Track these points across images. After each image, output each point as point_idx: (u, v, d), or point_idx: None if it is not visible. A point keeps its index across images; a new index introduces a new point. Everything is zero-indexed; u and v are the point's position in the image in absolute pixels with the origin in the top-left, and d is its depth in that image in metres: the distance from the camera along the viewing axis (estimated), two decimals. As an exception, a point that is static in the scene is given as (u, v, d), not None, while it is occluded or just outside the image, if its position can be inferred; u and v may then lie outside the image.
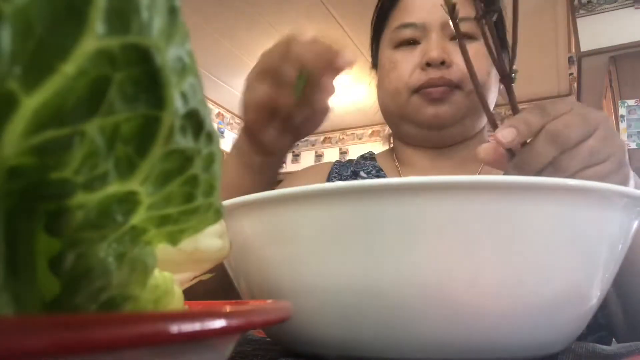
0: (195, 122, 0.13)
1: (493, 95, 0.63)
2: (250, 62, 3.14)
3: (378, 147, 0.81)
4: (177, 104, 0.12)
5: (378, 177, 0.67)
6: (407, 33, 0.62)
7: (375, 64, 0.71)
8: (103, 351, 0.08)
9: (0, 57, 0.09)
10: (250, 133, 0.53)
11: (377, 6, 0.70)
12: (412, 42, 0.62)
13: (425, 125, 0.62)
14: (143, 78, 0.11)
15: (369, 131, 4.40)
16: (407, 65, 0.61)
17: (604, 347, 0.33)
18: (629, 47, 2.22)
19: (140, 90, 0.11)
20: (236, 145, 0.56)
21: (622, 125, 2.21)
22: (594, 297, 0.30)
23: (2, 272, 0.11)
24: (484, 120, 0.65)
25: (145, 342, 0.09)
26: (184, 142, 0.13)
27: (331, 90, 0.50)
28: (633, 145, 2.17)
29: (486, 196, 0.25)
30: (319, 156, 4.49)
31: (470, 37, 0.60)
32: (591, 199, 0.26)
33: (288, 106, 0.49)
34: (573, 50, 2.45)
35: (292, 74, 0.46)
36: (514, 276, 0.26)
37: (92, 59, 0.10)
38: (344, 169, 0.70)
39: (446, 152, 0.66)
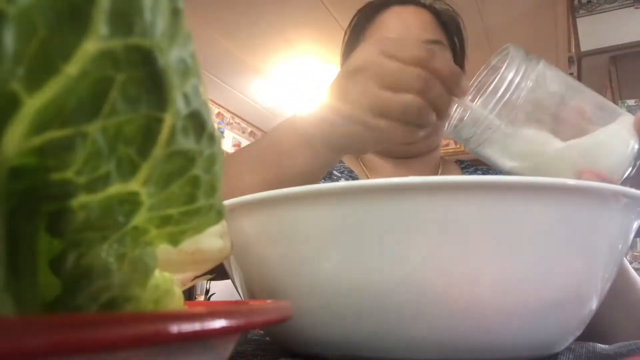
0: (197, 124, 0.13)
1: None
2: (251, 62, 3.13)
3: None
4: (180, 105, 0.12)
5: (351, 176, 0.74)
6: None
7: None
8: (103, 351, 0.08)
9: (4, 57, 0.09)
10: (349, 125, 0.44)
11: (350, 23, 0.74)
12: None
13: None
14: (145, 79, 0.11)
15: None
16: None
17: (604, 346, 0.33)
18: (629, 47, 2.22)
19: (142, 92, 0.11)
20: (301, 125, 0.48)
21: (622, 125, 2.21)
22: (594, 297, 0.30)
23: (3, 272, 0.11)
24: (440, 139, 0.75)
25: (145, 342, 0.09)
26: (186, 143, 0.13)
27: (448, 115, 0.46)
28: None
29: (486, 196, 0.25)
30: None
31: None
32: (591, 199, 0.26)
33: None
34: (573, 50, 2.45)
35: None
36: (514, 276, 0.26)
37: (95, 60, 0.10)
38: None
39: (406, 162, 0.74)
